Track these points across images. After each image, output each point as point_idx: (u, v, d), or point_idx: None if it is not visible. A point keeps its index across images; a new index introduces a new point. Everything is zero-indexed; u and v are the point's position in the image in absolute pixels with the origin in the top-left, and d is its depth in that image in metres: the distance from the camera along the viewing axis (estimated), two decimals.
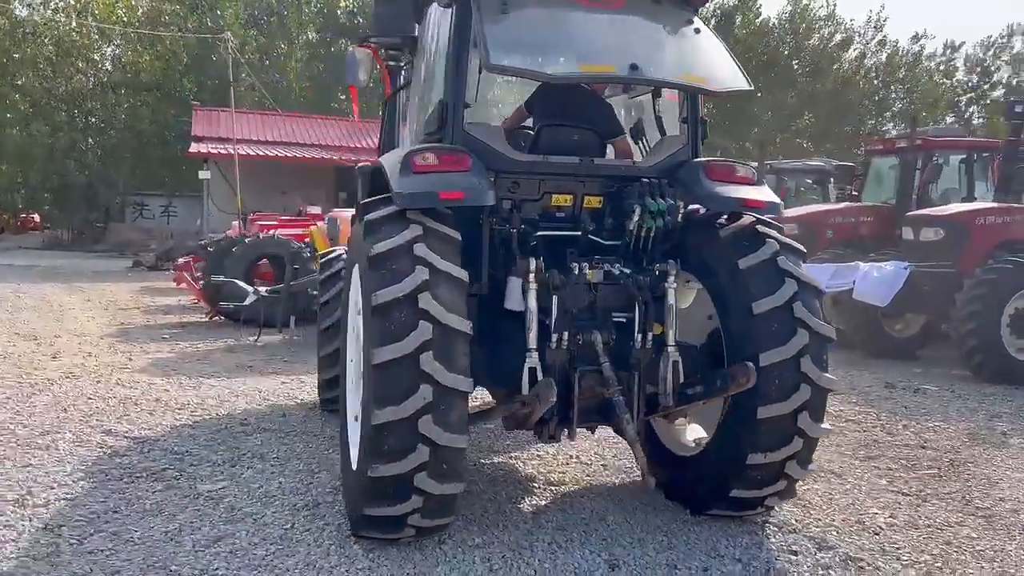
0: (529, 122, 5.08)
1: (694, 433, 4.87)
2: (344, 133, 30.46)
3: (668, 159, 4.58)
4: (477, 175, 4.05)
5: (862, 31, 43.33)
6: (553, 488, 5.13)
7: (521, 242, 4.35)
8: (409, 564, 3.95)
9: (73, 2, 33.81)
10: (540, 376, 3.98)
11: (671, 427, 4.90)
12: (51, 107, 34.00)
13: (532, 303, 4.03)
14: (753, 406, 4.08)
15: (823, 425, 4.22)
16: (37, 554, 3.94)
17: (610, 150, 4.79)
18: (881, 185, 13.40)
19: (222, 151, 24.74)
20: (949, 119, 44.15)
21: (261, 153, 25.97)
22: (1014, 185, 11.21)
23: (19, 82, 33.35)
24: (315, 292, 11.02)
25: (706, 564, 4.02)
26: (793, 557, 4.17)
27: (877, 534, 4.52)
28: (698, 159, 4.60)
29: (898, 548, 4.32)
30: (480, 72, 4.31)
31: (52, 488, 4.85)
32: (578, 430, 4.36)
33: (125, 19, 34.11)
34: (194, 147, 25.82)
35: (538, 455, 5.81)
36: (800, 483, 4.61)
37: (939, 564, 4.14)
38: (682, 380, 4.24)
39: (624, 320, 4.27)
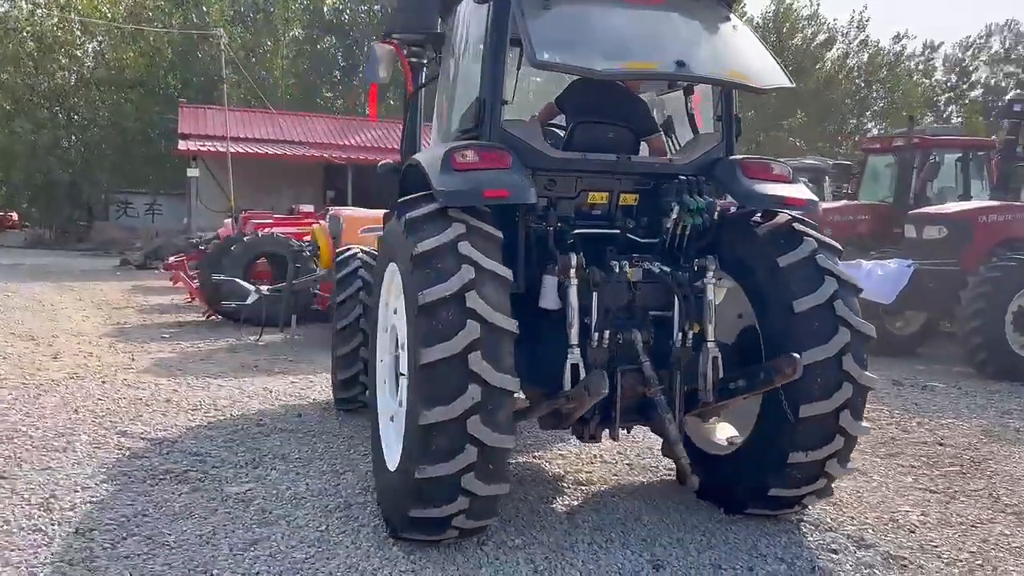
0: (558, 119, 5.05)
1: (725, 432, 4.86)
2: (331, 130, 30.26)
3: (703, 156, 4.56)
4: (518, 173, 4.01)
5: (845, 31, 43.72)
6: (582, 488, 5.10)
7: (557, 240, 4.31)
8: (452, 566, 3.90)
9: None
10: (583, 373, 3.94)
11: (702, 426, 4.88)
12: (33, 104, 33.52)
13: (573, 299, 3.99)
14: (795, 404, 4.07)
15: (863, 424, 4.22)
16: (72, 559, 3.86)
17: (643, 147, 4.76)
18: (878, 183, 13.48)
19: (211, 149, 24.48)
20: (928, 119, 44.66)
21: (251, 151, 25.73)
22: (1011, 183, 11.31)
23: (1, 79, 32.86)
24: (316, 291, 11.06)
25: (750, 564, 4.01)
26: (834, 556, 4.16)
27: (913, 532, 4.53)
28: (733, 156, 4.58)
29: (936, 546, 4.33)
30: (519, 69, 4.26)
31: (76, 491, 4.76)
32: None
33: (109, 15, 33.67)
34: (182, 144, 25.54)
35: (561, 455, 5.78)
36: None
37: (979, 562, 4.15)
38: (721, 376, 4.21)
39: (663, 318, 4.23)
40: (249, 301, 10.30)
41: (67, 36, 33.36)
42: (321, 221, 10.89)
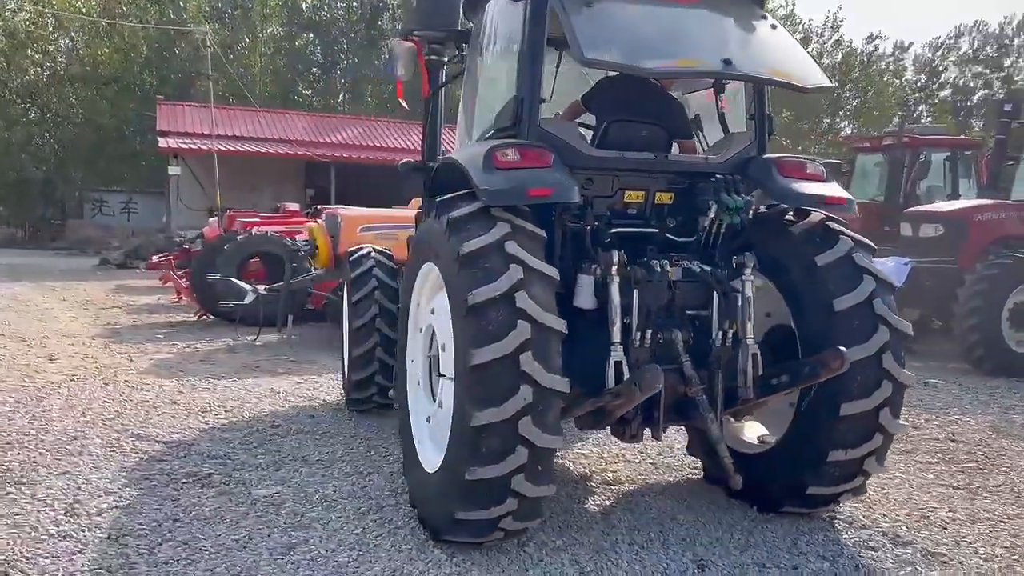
0: (583, 117, 5.03)
1: (755, 431, 4.87)
2: (312, 128, 29.99)
3: (737, 155, 4.56)
4: (560, 171, 3.98)
5: (820, 31, 44.18)
6: (611, 487, 5.09)
7: (594, 239, 4.29)
8: (497, 568, 3.87)
9: None
10: (626, 371, 3.92)
11: (732, 425, 4.89)
12: (5, 100, 32.88)
13: (616, 297, 3.97)
14: (835, 403, 4.09)
15: (900, 421, 4.25)
16: (110, 566, 3.77)
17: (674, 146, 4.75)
18: (867, 182, 13.64)
19: (193, 146, 24.15)
20: (898, 119, 45.31)
21: (234, 148, 25.42)
22: (1001, 182, 11.48)
23: None
24: (312, 291, 10.93)
25: (793, 562, 4.02)
26: (874, 553, 4.18)
27: (945, 528, 4.57)
28: (767, 155, 4.59)
29: (970, 542, 4.37)
30: (558, 67, 4.23)
31: (99, 496, 4.66)
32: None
33: (83, 9, 33.10)
34: (162, 142, 25.17)
35: (583, 454, 5.77)
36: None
37: (1016, 557, 4.20)
38: (760, 373, 4.21)
39: (702, 316, 4.23)
40: (247, 301, 10.16)
41: (40, 31, 32.73)
42: (318, 220, 10.75)
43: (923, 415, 7.33)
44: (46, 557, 3.85)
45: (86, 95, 33.95)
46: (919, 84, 50.98)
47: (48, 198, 32.61)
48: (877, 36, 64.29)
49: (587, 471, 5.40)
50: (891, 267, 9.80)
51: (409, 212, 11.75)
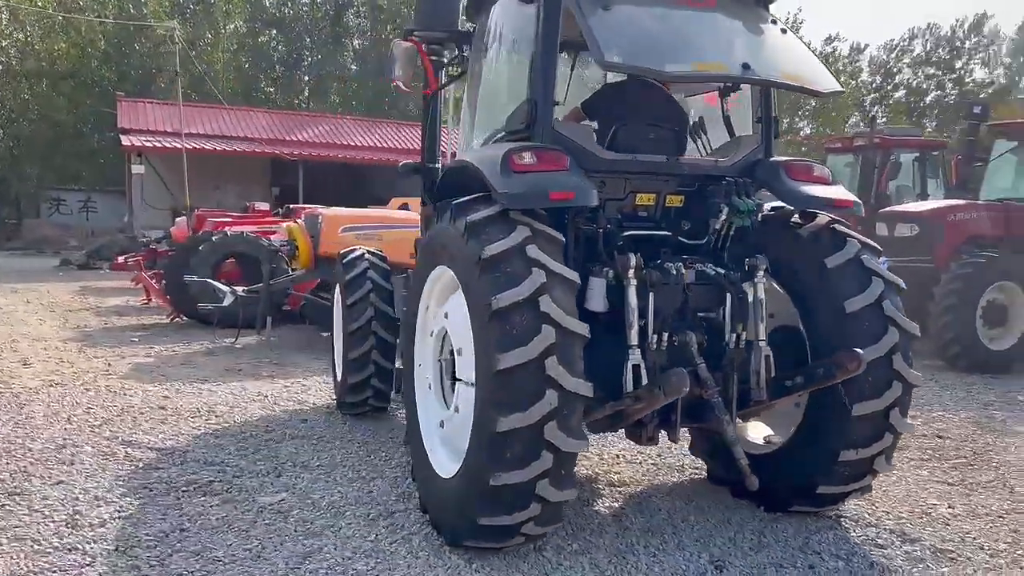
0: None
1: (761, 431, 4.91)
2: (277, 125, 29.63)
3: (745, 158, 4.59)
4: (577, 174, 3.97)
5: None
6: (617, 489, 5.10)
7: (607, 242, 4.28)
8: (517, 573, 3.85)
9: None
10: (644, 374, 3.92)
11: (737, 426, 4.92)
12: None
13: (633, 300, 3.96)
14: (847, 403, 4.14)
15: (908, 421, 4.32)
16: None
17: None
18: None
19: (158, 145, 23.69)
20: (853, 119, 46.17)
21: (200, 146, 24.97)
22: (970, 183, 11.75)
23: None
24: (291, 292, 10.77)
25: (809, 562, 4.06)
26: (884, 551, 4.25)
27: (947, 524, 4.66)
28: (773, 158, 4.63)
29: (974, 538, 4.46)
30: (572, 70, 4.21)
31: (100, 506, 4.55)
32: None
33: (39, 3, 32.24)
34: (125, 140, 24.63)
35: (583, 456, 5.75)
36: None
37: (1020, 552, 4.29)
38: (772, 375, 4.24)
39: (715, 318, 4.24)
40: (226, 303, 9.98)
41: None
42: (297, 220, 10.62)
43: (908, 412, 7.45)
44: (54, 571, 3.74)
45: (41, 91, 33.10)
46: (874, 85, 51.98)
47: (3, 196, 31.73)
48: (835, 38, 65.56)
49: (591, 473, 5.40)
50: None
51: (391, 213, 11.75)
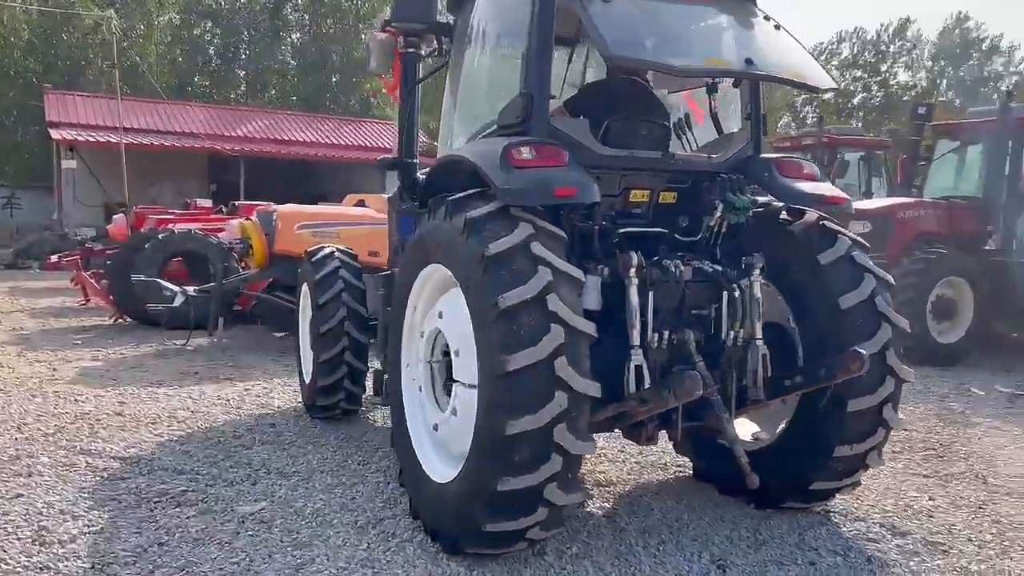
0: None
1: (748, 428, 4.90)
2: (215, 120, 28.82)
3: (736, 155, 4.57)
4: (577, 170, 3.88)
5: None
6: (606, 489, 5.04)
7: (602, 239, 4.21)
8: None
9: None
10: (646, 374, 3.85)
11: None
12: None
13: (635, 299, 3.88)
14: (841, 399, 4.15)
15: (899, 416, 4.36)
16: None
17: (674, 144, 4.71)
18: None
19: (91, 139, 22.76)
20: (784, 119, 47.27)
21: (138, 142, 24.08)
22: (915, 182, 12.07)
23: None
24: (244, 291, 10.44)
25: (810, 559, 4.06)
26: (876, 545, 4.29)
27: (932, 516, 4.73)
28: (763, 155, 4.62)
29: (960, 530, 4.53)
30: (568, 64, 4.12)
31: (67, 520, 4.28)
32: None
33: None
34: (55, 134, 23.59)
35: None
36: None
37: (1005, 543, 4.38)
38: (770, 373, 4.23)
39: (712, 316, 4.21)
40: (176, 304, 9.61)
41: None
42: (251, 217, 10.28)
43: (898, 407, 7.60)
44: None
45: None
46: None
47: None
48: None
49: None
50: None
51: (349, 209, 11.48)
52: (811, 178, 4.51)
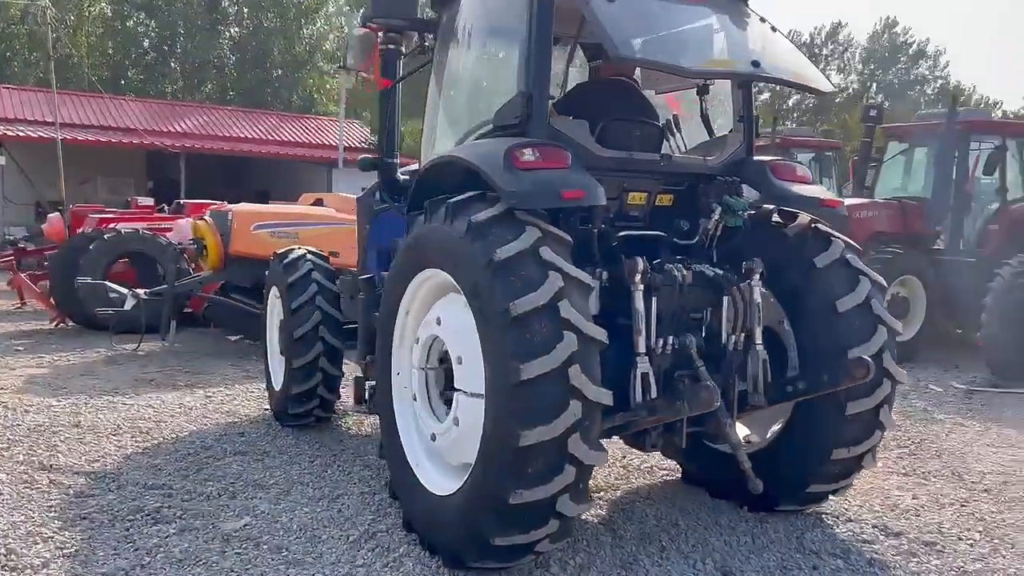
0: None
1: (739, 431, 4.87)
2: (149, 115, 27.88)
3: (730, 157, 4.54)
4: (581, 172, 3.78)
5: None
6: (597, 496, 4.95)
7: (601, 243, 4.11)
8: None
9: None
10: (652, 382, 3.78)
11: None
12: None
13: (640, 305, 3.80)
14: (840, 402, 4.15)
15: (892, 417, 4.39)
16: None
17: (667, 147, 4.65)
18: None
19: (22, 134, 21.77)
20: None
21: (71, 136, 23.10)
22: (865, 182, 12.34)
23: None
24: (200, 294, 10.04)
25: (814, 563, 4.06)
26: (874, 546, 4.31)
27: (919, 515, 4.78)
28: (756, 157, 4.60)
29: (948, 528, 4.59)
30: (568, 64, 4.03)
31: (36, 543, 4.02)
32: None
33: None
34: None
35: None
36: None
37: (995, 541, 4.45)
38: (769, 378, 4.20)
39: (713, 321, 4.16)
40: (128, 307, 9.19)
41: None
42: (205, 217, 9.91)
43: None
44: None
45: None
46: None
47: None
48: None
49: None
50: None
51: (307, 209, 11.17)
52: (804, 181, 4.51)
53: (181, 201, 16.22)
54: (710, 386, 3.55)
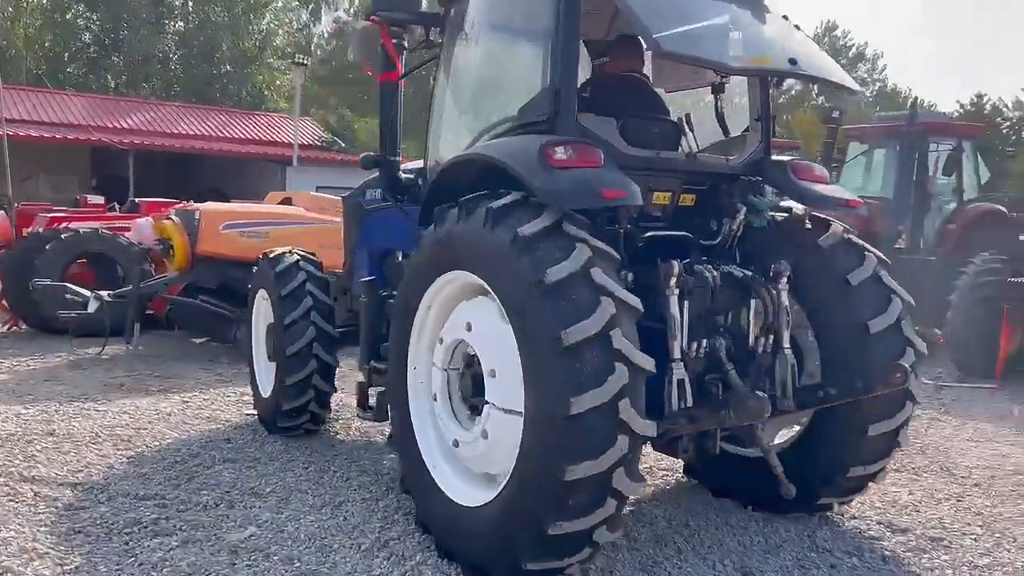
0: None
1: None
2: (92, 111, 26.97)
3: (750, 156, 4.51)
4: (616, 171, 3.68)
5: None
6: None
7: (627, 243, 3.99)
8: None
9: None
10: (688, 389, 3.71)
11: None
12: None
13: (675, 310, 3.71)
14: (863, 424, 4.15)
15: (907, 434, 4.42)
16: None
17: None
18: None
19: None
20: None
21: (14, 132, 22.18)
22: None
23: None
24: (165, 295, 9.72)
25: (831, 561, 4.08)
26: (883, 543, 4.36)
27: (918, 511, 4.87)
28: (774, 157, 4.59)
29: (950, 523, 4.68)
30: (593, 60, 3.96)
31: (32, 560, 3.81)
32: None
33: None
34: None
35: None
36: None
37: (996, 535, 4.55)
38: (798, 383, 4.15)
39: (741, 324, 4.09)
40: (91, 310, 8.86)
41: None
42: (171, 216, 9.60)
43: None
44: None
45: None
46: None
47: None
48: None
49: None
50: None
51: (277, 208, 10.91)
52: (824, 180, 4.51)
53: (136, 200, 15.71)
54: (761, 396, 3.51)
